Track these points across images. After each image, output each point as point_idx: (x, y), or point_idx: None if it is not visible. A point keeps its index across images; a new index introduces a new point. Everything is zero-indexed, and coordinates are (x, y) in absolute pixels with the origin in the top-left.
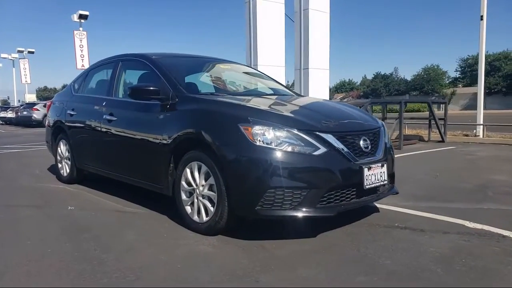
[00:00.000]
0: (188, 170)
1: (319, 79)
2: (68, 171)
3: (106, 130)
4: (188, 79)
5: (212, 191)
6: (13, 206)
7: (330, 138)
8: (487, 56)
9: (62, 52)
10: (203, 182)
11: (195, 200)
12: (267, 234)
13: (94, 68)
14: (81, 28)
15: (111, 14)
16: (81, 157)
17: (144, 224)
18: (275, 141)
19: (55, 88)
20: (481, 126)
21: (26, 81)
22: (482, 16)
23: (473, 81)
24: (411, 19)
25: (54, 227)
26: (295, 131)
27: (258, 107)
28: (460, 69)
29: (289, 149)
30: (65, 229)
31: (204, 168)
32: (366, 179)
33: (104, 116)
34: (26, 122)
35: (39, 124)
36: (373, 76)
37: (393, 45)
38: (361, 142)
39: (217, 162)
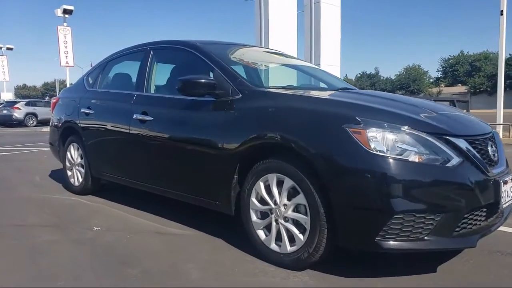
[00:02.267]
0: (261, 184)
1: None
2: (80, 179)
3: (137, 132)
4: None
5: (300, 212)
6: (25, 227)
7: (462, 144)
8: (467, 56)
9: (43, 49)
10: (286, 201)
11: (273, 223)
12: (366, 267)
13: (115, 59)
14: (65, 24)
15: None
16: (100, 164)
17: (201, 253)
18: (398, 149)
19: (34, 86)
20: (501, 126)
21: (4, 78)
22: (502, 11)
23: (455, 81)
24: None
25: (85, 257)
26: (424, 135)
27: (365, 104)
28: (442, 69)
29: (417, 159)
30: (100, 260)
31: (288, 182)
32: (503, 196)
33: (134, 116)
34: (6, 122)
35: (20, 123)
36: (358, 75)
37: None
38: (489, 149)
39: (312, 176)
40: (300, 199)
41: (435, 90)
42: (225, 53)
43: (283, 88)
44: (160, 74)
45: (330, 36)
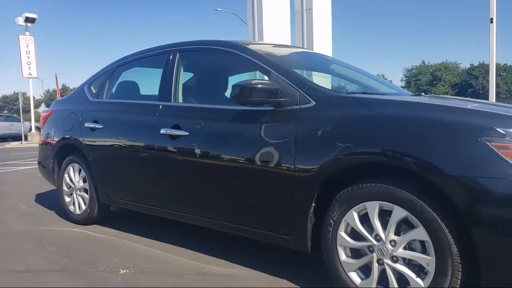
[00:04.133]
0: (355, 215)
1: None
2: (83, 207)
3: (165, 150)
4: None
5: (415, 250)
6: (29, 273)
7: None
8: (429, 67)
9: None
10: (394, 236)
11: (374, 264)
12: None
13: (125, 64)
14: (27, 33)
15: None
16: (111, 189)
17: None
18: None
19: None
20: None
21: None
22: (492, 19)
23: (418, 90)
24: (352, 29)
25: None
26: None
27: (493, 111)
28: (405, 79)
29: None
30: None
31: (398, 212)
32: None
33: (162, 130)
34: None
35: None
36: None
37: (336, 55)
38: None
39: (438, 205)
40: (419, 234)
41: None
42: (278, 56)
43: (365, 93)
44: (190, 81)
45: (322, 43)
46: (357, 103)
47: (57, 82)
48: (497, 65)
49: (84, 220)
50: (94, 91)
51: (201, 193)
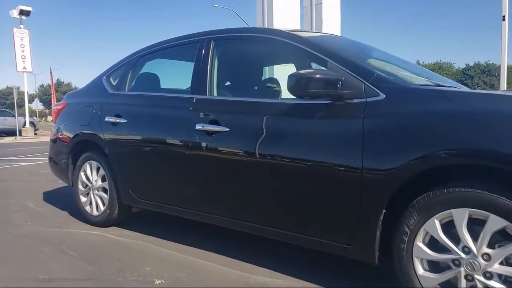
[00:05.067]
0: (436, 223)
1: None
2: (102, 207)
3: (202, 147)
4: None
5: None
6: (53, 281)
7: None
8: (423, 66)
9: None
10: (487, 249)
11: (461, 280)
12: None
13: (150, 54)
14: (22, 26)
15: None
16: (135, 188)
17: None
18: None
19: None
20: None
21: None
22: (504, 17)
23: None
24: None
25: None
26: None
27: None
28: None
29: None
30: None
31: (494, 223)
32: None
33: (198, 126)
34: None
35: None
36: None
37: None
38: None
39: None
40: None
41: None
42: (332, 43)
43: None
44: (226, 72)
45: None
46: (437, 96)
47: (51, 77)
48: (493, 65)
49: (103, 222)
50: (114, 83)
51: (244, 195)
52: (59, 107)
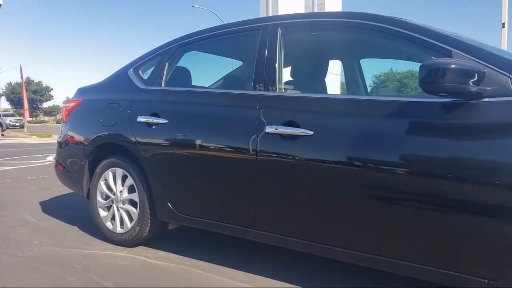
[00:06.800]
0: None
1: (331, 86)
2: (129, 224)
3: (275, 154)
4: None
5: None
6: None
7: None
8: (396, 74)
9: None
10: None
11: None
12: None
13: (193, 42)
14: None
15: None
16: (177, 202)
17: None
18: None
19: None
20: None
21: None
22: (503, 24)
23: None
24: None
25: None
26: None
27: None
28: (373, 85)
29: None
30: None
31: None
32: None
33: (268, 128)
34: None
35: None
36: None
37: None
38: None
39: None
40: None
41: None
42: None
43: None
44: (300, 64)
45: None
46: None
47: (22, 74)
48: None
49: (129, 241)
50: (145, 77)
51: (337, 213)
52: (72, 104)
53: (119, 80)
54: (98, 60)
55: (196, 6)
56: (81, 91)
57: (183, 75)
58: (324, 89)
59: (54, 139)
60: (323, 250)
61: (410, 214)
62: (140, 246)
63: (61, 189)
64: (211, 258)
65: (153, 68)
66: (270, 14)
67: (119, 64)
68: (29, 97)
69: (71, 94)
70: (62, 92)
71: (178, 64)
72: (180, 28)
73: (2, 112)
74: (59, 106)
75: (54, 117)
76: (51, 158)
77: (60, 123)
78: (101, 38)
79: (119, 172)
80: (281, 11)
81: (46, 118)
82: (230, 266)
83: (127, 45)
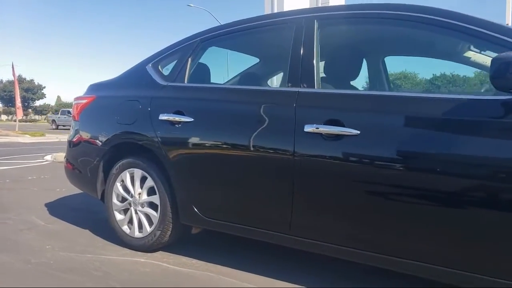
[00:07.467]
0: None
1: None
2: (148, 228)
3: (315, 155)
4: None
5: None
6: None
7: None
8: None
9: None
10: None
11: None
12: None
13: (217, 37)
14: None
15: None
16: (203, 205)
17: None
18: None
19: None
20: None
21: None
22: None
23: None
24: None
25: None
26: None
27: None
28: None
29: None
30: None
31: None
32: None
33: (308, 128)
34: None
35: None
36: None
37: None
38: None
39: None
40: None
41: None
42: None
43: None
44: (340, 60)
45: None
46: None
47: (14, 72)
48: None
49: (148, 246)
50: (165, 73)
51: (389, 220)
52: (84, 101)
53: (137, 76)
54: (92, 60)
55: (192, 5)
56: (94, 88)
57: (207, 71)
58: (376, 87)
59: (48, 138)
60: (371, 259)
61: (481, 220)
62: (160, 251)
63: (65, 190)
64: (236, 263)
65: (174, 63)
66: (276, 11)
67: (115, 63)
68: (21, 95)
69: (62, 93)
70: (54, 91)
71: (204, 59)
72: (179, 28)
73: None
74: (50, 105)
75: (45, 116)
76: (49, 158)
77: (49, 122)
78: (96, 37)
79: (138, 173)
80: (286, 8)
81: (37, 117)
82: (259, 273)
83: (123, 45)
